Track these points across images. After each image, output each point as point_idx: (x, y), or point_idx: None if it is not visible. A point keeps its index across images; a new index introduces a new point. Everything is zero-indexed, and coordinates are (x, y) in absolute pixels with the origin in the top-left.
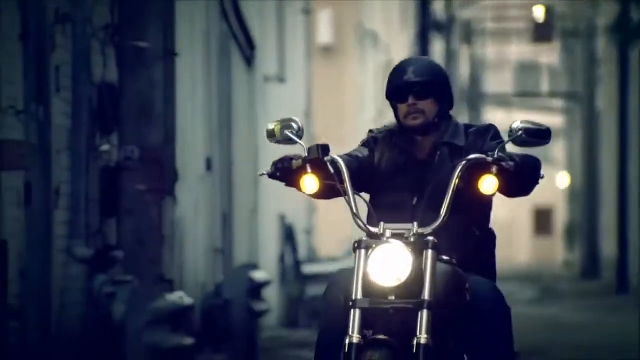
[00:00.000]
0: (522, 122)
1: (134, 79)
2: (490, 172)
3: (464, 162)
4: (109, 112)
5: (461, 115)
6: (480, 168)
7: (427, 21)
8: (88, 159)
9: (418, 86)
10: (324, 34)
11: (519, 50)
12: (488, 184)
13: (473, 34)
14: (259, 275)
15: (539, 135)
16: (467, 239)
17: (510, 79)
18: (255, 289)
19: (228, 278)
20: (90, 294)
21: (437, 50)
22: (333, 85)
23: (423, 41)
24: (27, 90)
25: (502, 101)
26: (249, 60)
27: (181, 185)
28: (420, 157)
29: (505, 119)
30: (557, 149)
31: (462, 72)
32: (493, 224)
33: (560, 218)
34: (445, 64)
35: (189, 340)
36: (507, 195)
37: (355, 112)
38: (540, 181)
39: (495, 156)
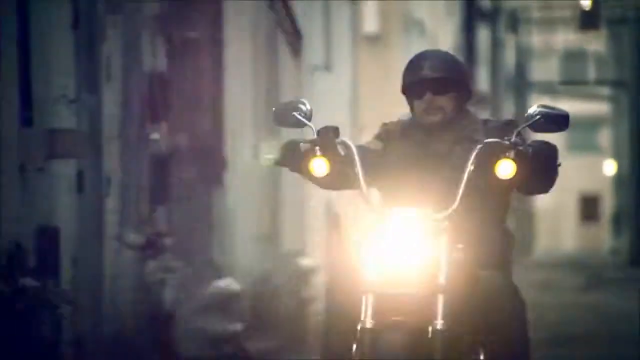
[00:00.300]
0: (539, 107)
1: (183, 68)
2: (507, 157)
3: (480, 146)
4: (159, 101)
5: (507, 104)
6: (496, 154)
7: (472, 10)
8: (138, 147)
9: (435, 82)
10: (370, 23)
11: (565, 38)
12: (505, 167)
13: (519, 23)
14: (306, 262)
15: (557, 121)
16: (482, 235)
17: (557, 67)
18: (303, 276)
19: (276, 264)
20: (141, 280)
21: (483, 39)
22: (379, 74)
23: (469, 30)
24: (79, 79)
25: (548, 89)
26: (296, 49)
27: (229, 173)
28: (439, 152)
29: None
30: (603, 137)
31: (507, 61)
32: (538, 211)
33: (607, 205)
34: (491, 53)
35: (237, 326)
36: (525, 191)
37: (400, 101)
38: (571, 171)
39: (512, 140)
